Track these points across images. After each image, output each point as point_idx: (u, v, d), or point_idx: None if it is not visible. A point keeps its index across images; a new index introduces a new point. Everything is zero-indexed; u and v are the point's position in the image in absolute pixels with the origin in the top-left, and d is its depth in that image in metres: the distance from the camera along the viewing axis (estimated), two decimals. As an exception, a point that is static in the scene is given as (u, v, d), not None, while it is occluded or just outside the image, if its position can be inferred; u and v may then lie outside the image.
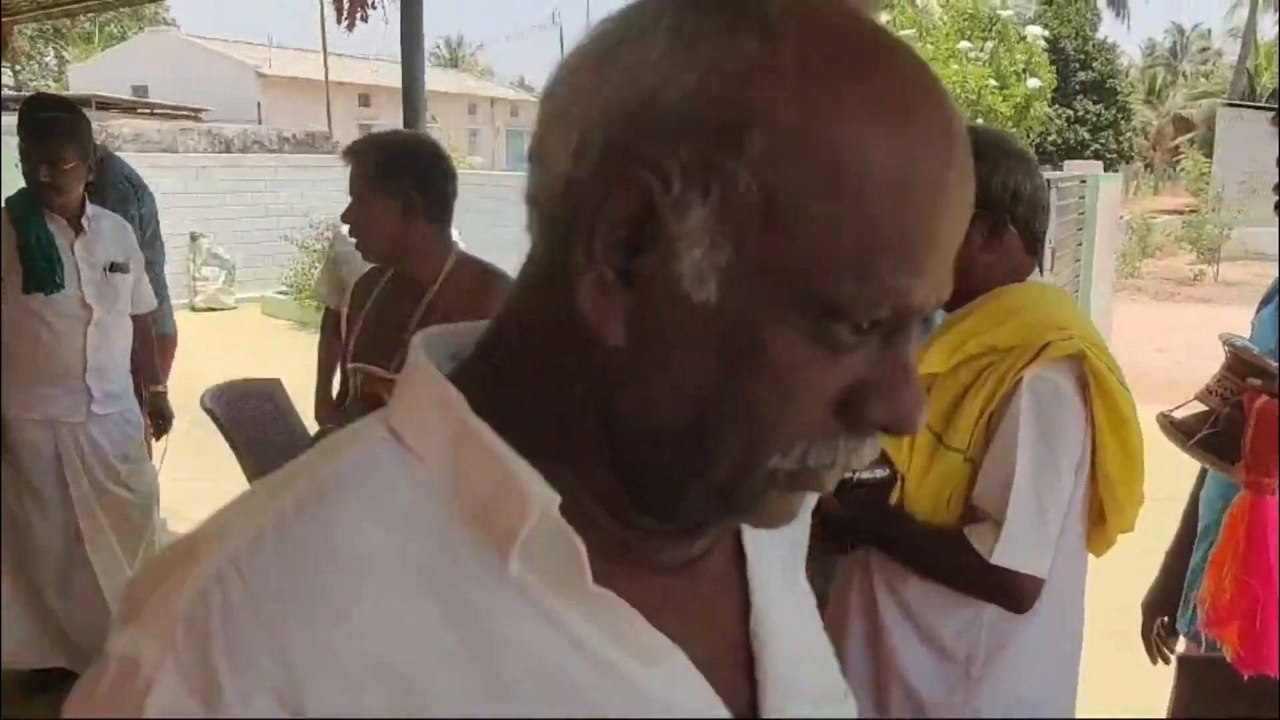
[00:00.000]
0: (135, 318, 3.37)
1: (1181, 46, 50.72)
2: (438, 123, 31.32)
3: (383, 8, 3.87)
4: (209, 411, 3.57)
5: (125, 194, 4.34)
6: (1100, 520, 1.60)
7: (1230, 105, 20.95)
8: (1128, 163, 32.92)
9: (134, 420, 3.37)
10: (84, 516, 3.22)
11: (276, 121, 22.95)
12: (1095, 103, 31.27)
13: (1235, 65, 31.95)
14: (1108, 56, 32.76)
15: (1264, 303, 2.07)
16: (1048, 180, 7.92)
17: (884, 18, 13.34)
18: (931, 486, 1.56)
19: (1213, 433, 1.72)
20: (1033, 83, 10.04)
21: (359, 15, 3.86)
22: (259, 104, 30.90)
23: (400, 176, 2.22)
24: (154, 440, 3.63)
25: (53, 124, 3.22)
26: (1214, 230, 16.42)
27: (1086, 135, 30.95)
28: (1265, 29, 33.09)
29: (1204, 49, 49.93)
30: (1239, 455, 1.69)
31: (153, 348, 3.50)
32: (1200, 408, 1.79)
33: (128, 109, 15.21)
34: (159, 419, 3.56)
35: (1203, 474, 2.10)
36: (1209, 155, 20.76)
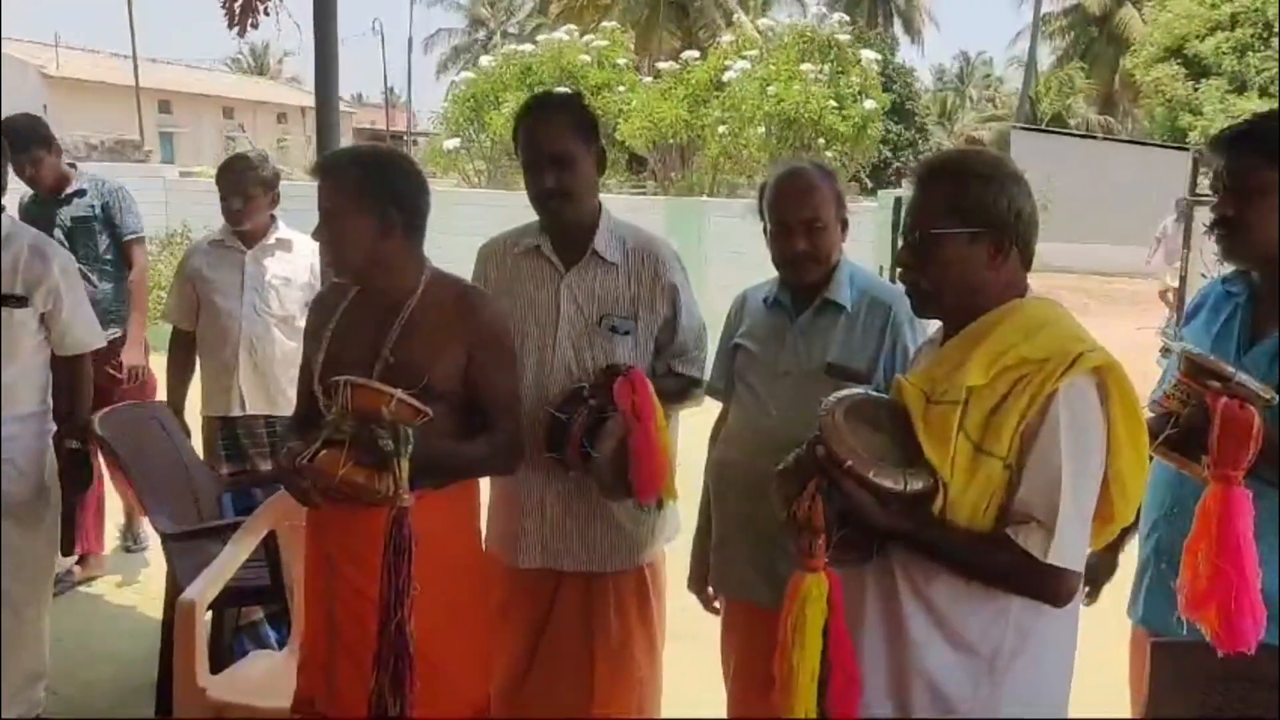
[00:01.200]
0: (68, 360, 3.08)
1: (967, 73, 54.15)
2: (245, 131, 30.02)
3: (276, 13, 3.72)
4: (99, 438, 3.32)
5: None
6: (1109, 516, 1.72)
7: (1024, 129, 22.62)
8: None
9: (21, 468, 3.01)
10: None
11: (65, 127, 21.39)
12: (896, 123, 33.10)
13: (1020, 91, 34.46)
14: (906, 80, 34.69)
15: (1190, 316, 2.26)
16: (897, 199, 8.23)
17: (728, 39, 13.79)
18: (973, 493, 1.64)
19: (1175, 433, 1.87)
20: (869, 104, 10.59)
21: (250, 20, 3.69)
22: (44, 107, 28.77)
23: (377, 192, 2.16)
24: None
25: None
26: (1013, 244, 17.62)
27: (889, 154, 32.72)
28: (1043, 58, 35.87)
29: (987, 75, 53.48)
30: (1201, 453, 1.85)
31: (79, 396, 3.15)
32: (1150, 414, 1.95)
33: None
34: (72, 477, 3.14)
35: None
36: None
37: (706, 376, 2.63)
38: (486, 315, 2.29)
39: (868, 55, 11.11)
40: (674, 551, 2.74)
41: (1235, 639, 1.75)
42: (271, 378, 3.79)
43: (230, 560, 3.02)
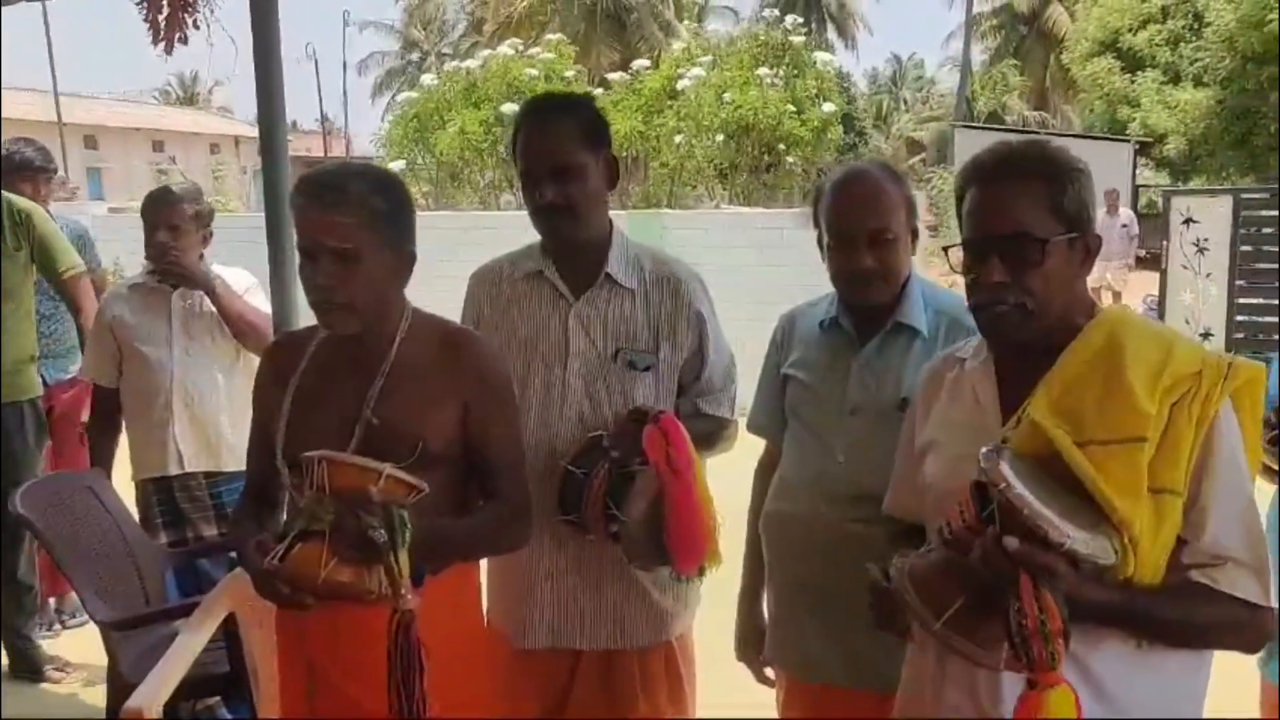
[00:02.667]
0: None
1: (900, 75, 54.66)
2: (178, 164, 29.26)
3: (207, 27, 3.32)
4: (22, 517, 2.90)
5: None
6: None
7: (967, 127, 22.68)
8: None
9: None
10: None
11: (-14, 167, 20.54)
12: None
13: (953, 91, 34.78)
14: (844, 85, 34.90)
15: None
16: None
17: (678, 46, 13.53)
18: (1161, 542, 1.37)
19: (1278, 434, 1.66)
20: (827, 107, 10.39)
21: (178, 35, 3.29)
22: (-36, 149, 27.75)
23: (398, 224, 1.80)
24: None
25: None
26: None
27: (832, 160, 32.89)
28: (975, 58, 36.22)
29: (919, 77, 54.00)
30: None
31: None
32: None
33: None
34: None
35: None
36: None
37: (736, 416, 2.29)
38: (484, 359, 1.92)
39: (823, 58, 10.94)
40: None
41: None
42: (213, 429, 3.40)
43: (183, 655, 2.60)
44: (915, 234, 2.04)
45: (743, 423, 2.30)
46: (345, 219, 1.73)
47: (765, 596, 2.26)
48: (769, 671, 2.29)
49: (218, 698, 3.32)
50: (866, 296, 2.02)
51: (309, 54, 22.54)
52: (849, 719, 2.04)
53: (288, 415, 1.85)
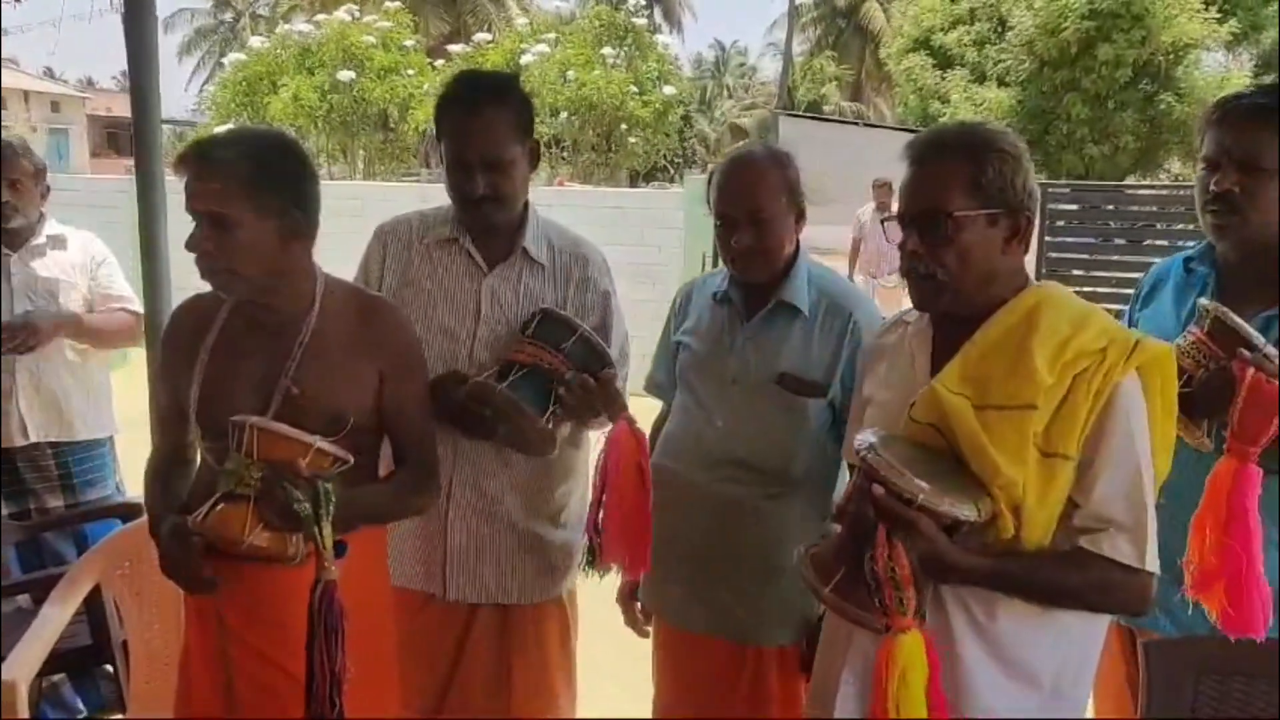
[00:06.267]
0: None
1: (724, 61, 55.73)
2: (-39, 119, 26.97)
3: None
4: None
5: None
6: None
7: (790, 115, 23.42)
8: (689, 167, 35.74)
9: None
10: None
11: None
12: (663, 111, 33.54)
13: (773, 79, 35.80)
14: (670, 70, 35.29)
15: (1148, 296, 2.16)
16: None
17: (521, 21, 13.40)
18: (1050, 504, 1.48)
19: (1185, 391, 1.74)
20: (668, 89, 10.58)
21: (29, -18, 3.12)
22: None
23: (277, 189, 1.78)
24: None
25: None
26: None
27: (658, 141, 33.14)
28: (796, 47, 37.33)
29: (742, 64, 55.19)
30: (1206, 415, 1.79)
31: None
32: None
33: None
34: None
35: None
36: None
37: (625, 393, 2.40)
38: (400, 329, 1.98)
39: (663, 40, 11.15)
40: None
41: (1243, 622, 1.70)
42: (62, 395, 3.27)
43: (52, 625, 2.52)
44: (800, 214, 2.14)
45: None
46: (213, 185, 1.74)
47: None
48: (640, 616, 2.42)
49: (63, 675, 3.21)
50: (746, 273, 2.14)
51: (114, 7, 21.09)
52: (707, 663, 2.20)
53: (200, 382, 1.84)
